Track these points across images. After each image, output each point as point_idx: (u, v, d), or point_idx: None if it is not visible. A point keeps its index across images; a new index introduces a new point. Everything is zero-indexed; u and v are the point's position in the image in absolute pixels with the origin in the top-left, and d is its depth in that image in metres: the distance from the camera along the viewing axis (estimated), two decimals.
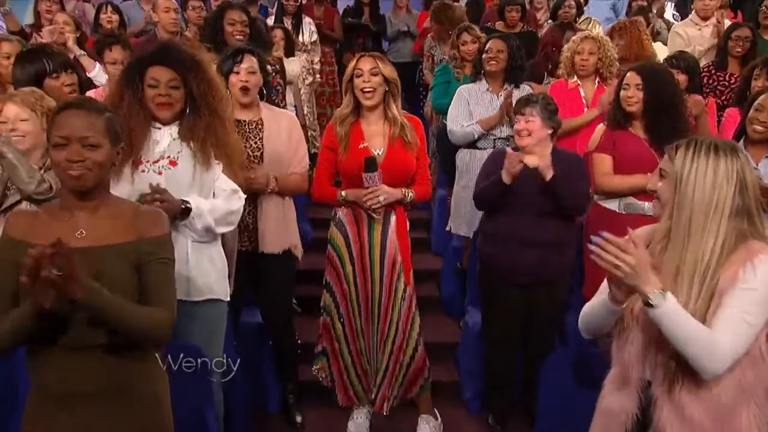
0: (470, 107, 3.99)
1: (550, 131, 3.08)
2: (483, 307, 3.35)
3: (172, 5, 4.65)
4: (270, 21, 5.77)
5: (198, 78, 2.44)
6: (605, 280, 1.78)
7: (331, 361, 3.13)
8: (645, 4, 5.95)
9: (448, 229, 4.35)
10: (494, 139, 3.95)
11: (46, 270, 1.52)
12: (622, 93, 3.19)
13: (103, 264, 1.75)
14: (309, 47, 5.93)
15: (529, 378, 3.16)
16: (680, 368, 1.70)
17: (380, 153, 2.97)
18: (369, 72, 2.93)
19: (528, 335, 3.21)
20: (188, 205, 2.38)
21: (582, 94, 3.99)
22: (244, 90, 3.00)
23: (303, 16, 6.04)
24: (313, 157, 3.44)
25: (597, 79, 4.02)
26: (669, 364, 1.73)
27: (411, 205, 3.08)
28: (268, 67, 3.79)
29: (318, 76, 5.99)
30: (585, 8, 6.24)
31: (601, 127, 3.36)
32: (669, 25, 5.76)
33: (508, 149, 3.01)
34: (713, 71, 4.50)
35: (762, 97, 3.16)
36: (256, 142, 3.04)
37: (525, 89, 4.00)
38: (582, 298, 3.01)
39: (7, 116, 2.63)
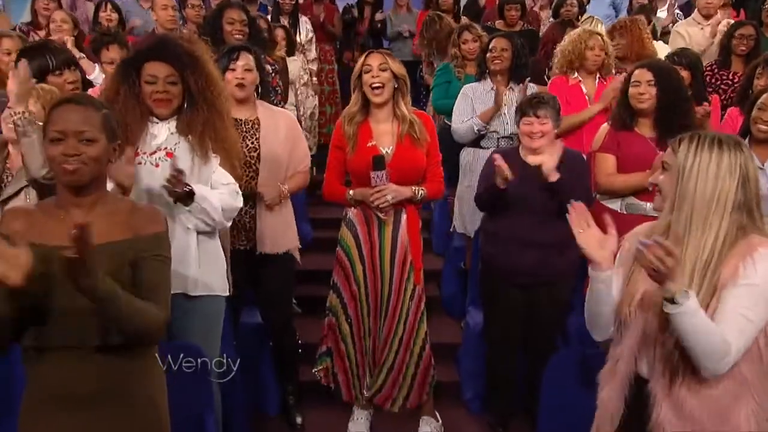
0: (474, 106, 3.98)
1: (556, 130, 3.08)
2: (484, 308, 3.34)
3: (170, 2, 4.62)
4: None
5: (196, 73, 2.43)
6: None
7: (336, 361, 3.11)
8: (646, 2, 5.92)
9: (452, 229, 4.32)
10: (498, 138, 3.93)
11: (68, 250, 1.50)
12: (632, 90, 3.16)
13: (99, 262, 1.72)
14: (305, 47, 5.92)
15: (530, 379, 3.14)
16: (682, 362, 1.70)
17: (389, 151, 2.94)
18: (378, 68, 2.90)
19: (529, 336, 3.19)
20: (192, 190, 2.35)
21: (584, 90, 3.97)
22: (240, 86, 2.97)
23: (299, 15, 6.01)
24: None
25: (597, 76, 4.01)
26: (671, 358, 1.72)
27: (422, 203, 3.05)
28: (267, 66, 3.79)
29: (314, 77, 5.95)
30: (587, 6, 6.22)
31: (605, 127, 3.34)
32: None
33: (497, 157, 2.90)
34: (716, 70, 4.47)
35: (765, 95, 3.13)
36: (253, 142, 3.01)
37: (531, 88, 3.97)
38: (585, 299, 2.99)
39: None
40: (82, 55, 4.27)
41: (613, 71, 4.12)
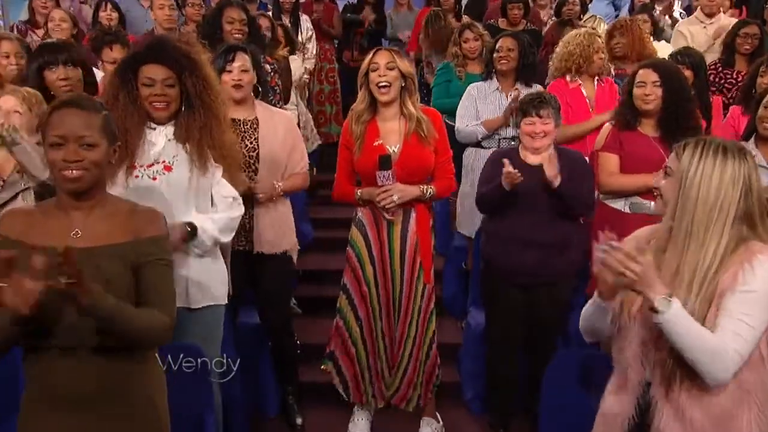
0: (477, 106, 3.97)
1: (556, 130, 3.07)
2: (485, 307, 3.33)
3: (167, 2, 4.59)
4: None
5: (194, 76, 2.40)
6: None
7: (343, 363, 3.10)
8: (647, 0, 5.90)
9: (454, 229, 4.31)
10: (499, 139, 3.92)
11: (55, 280, 1.49)
12: (637, 91, 3.12)
13: (99, 264, 1.72)
14: (306, 45, 5.90)
15: (531, 379, 3.13)
16: (678, 367, 1.69)
17: (396, 150, 2.91)
18: (385, 66, 2.86)
19: (530, 336, 3.18)
20: (192, 225, 2.37)
21: (585, 93, 3.94)
22: (237, 87, 2.95)
23: (300, 13, 5.99)
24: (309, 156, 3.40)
25: (596, 79, 3.98)
26: (666, 363, 1.71)
27: (432, 201, 3.02)
28: (267, 66, 3.77)
29: (308, 76, 5.93)
30: (589, 5, 6.20)
31: (607, 126, 3.32)
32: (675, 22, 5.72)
33: (506, 163, 2.89)
34: (720, 69, 4.45)
35: None
36: (251, 142, 3.00)
37: (537, 89, 3.94)
38: (587, 299, 2.98)
39: (3, 106, 2.61)
40: None
41: (612, 71, 4.11)
